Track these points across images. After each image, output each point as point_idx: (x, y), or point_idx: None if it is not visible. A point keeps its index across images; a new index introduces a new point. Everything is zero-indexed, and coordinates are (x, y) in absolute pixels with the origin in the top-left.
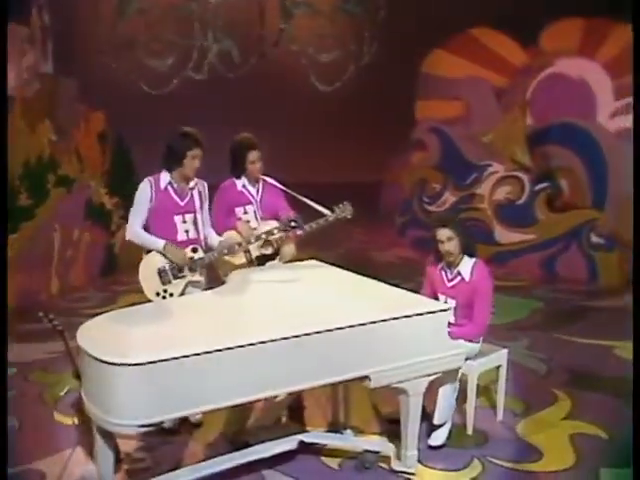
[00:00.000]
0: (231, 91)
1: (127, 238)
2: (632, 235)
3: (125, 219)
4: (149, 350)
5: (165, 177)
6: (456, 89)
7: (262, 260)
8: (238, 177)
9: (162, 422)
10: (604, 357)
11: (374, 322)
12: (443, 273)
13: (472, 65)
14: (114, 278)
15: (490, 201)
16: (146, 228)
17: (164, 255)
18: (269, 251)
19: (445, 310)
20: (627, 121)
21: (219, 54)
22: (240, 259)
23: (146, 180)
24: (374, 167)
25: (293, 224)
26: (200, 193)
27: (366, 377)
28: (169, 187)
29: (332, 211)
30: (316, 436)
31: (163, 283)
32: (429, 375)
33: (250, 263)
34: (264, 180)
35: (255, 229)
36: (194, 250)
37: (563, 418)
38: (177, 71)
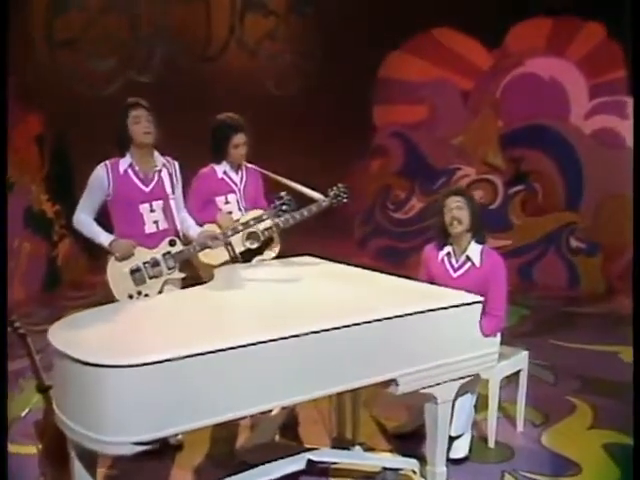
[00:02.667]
0: (178, 96)
1: (73, 224)
2: (632, 239)
3: (68, 228)
4: (144, 349)
5: (125, 160)
6: (418, 92)
7: (247, 256)
8: (218, 162)
9: (159, 440)
10: (611, 363)
11: (404, 315)
12: (447, 261)
13: (434, 68)
14: (58, 292)
15: None
16: (110, 222)
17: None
18: (255, 245)
19: (479, 302)
20: (603, 121)
21: (164, 56)
22: (221, 256)
23: (102, 164)
24: (331, 175)
25: (285, 207)
26: (171, 175)
27: (392, 381)
28: (129, 171)
29: (326, 195)
30: (328, 454)
31: (137, 284)
32: (461, 378)
33: (234, 260)
34: (246, 166)
35: (238, 221)
36: (172, 243)
37: (589, 427)
38: (119, 73)
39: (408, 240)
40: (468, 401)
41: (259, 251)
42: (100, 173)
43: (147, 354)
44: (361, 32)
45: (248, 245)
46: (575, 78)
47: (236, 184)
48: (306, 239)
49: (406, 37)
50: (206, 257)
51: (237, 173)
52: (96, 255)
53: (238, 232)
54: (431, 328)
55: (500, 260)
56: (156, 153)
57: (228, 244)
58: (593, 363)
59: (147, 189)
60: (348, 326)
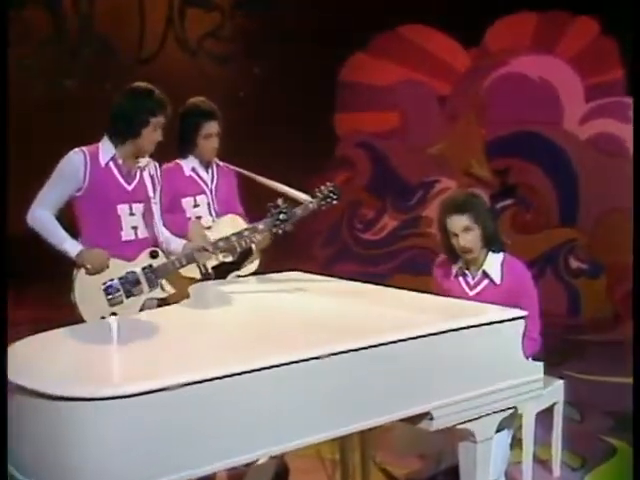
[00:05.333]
0: (108, 102)
1: (27, 221)
2: (632, 258)
3: None
4: (127, 379)
5: (107, 149)
6: (386, 98)
7: (222, 272)
8: (184, 157)
9: None
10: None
11: (440, 333)
12: (461, 278)
13: (404, 69)
14: None
15: None
16: (76, 223)
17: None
18: (229, 259)
19: (522, 317)
20: (601, 126)
21: (91, 57)
22: (191, 271)
23: (78, 151)
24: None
25: (282, 216)
26: (152, 177)
27: (425, 415)
28: (111, 164)
29: (313, 196)
30: None
31: (112, 304)
32: (504, 410)
33: (206, 276)
34: (218, 164)
35: (209, 228)
36: (153, 255)
37: None
38: (40, 77)
39: (379, 264)
40: (504, 439)
41: (235, 266)
42: (75, 161)
43: (132, 383)
44: (319, 31)
45: (222, 259)
46: (568, 78)
47: (206, 184)
48: (263, 260)
49: (371, 36)
50: None
51: (207, 171)
52: (22, 284)
53: (231, 243)
54: (470, 349)
55: (525, 272)
56: None
57: None
58: (618, 397)
59: (129, 187)
60: (372, 347)
